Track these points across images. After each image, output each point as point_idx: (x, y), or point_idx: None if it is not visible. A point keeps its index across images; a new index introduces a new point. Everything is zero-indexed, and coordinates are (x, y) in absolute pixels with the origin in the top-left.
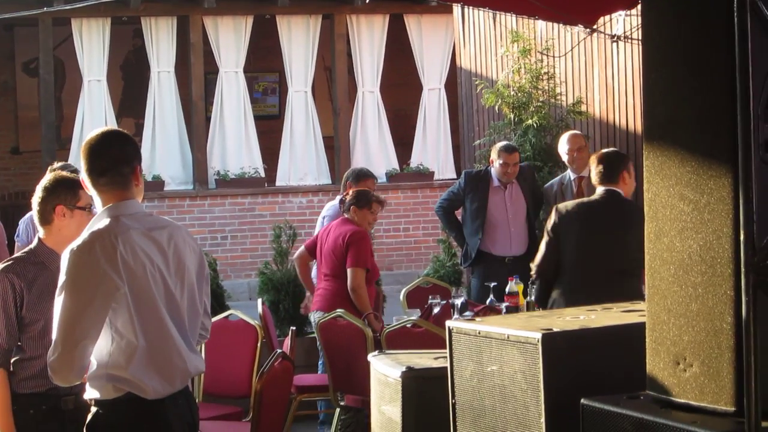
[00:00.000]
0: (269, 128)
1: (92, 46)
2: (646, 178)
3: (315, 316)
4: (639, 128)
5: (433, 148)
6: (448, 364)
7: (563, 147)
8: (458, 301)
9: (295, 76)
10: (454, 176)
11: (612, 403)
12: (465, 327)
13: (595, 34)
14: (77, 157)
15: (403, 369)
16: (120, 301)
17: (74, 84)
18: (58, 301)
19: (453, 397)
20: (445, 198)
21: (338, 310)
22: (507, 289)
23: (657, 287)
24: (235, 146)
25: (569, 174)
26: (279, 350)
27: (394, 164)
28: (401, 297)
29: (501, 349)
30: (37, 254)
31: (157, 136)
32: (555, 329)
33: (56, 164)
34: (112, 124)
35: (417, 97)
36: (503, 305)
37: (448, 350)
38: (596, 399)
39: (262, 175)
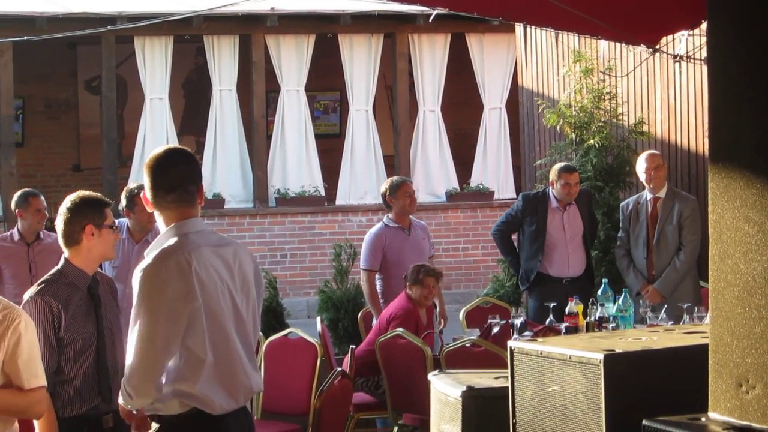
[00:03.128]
0: (329, 146)
1: (155, 64)
2: (711, 199)
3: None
4: (701, 149)
5: (494, 168)
6: (509, 384)
7: (641, 166)
8: (518, 321)
9: (356, 94)
10: (514, 196)
11: (674, 425)
12: (527, 347)
13: (657, 54)
14: (138, 175)
15: (464, 388)
16: (194, 316)
17: (136, 102)
18: (134, 322)
19: (514, 417)
20: (503, 221)
21: (398, 329)
22: (567, 310)
23: (721, 309)
24: (295, 165)
25: (646, 194)
26: (339, 368)
27: (454, 183)
28: (460, 316)
29: (563, 370)
30: (66, 275)
31: (218, 154)
32: (617, 350)
33: (133, 185)
34: (174, 142)
35: (477, 116)
36: (563, 325)
37: (509, 370)
38: (658, 421)
39: (323, 193)
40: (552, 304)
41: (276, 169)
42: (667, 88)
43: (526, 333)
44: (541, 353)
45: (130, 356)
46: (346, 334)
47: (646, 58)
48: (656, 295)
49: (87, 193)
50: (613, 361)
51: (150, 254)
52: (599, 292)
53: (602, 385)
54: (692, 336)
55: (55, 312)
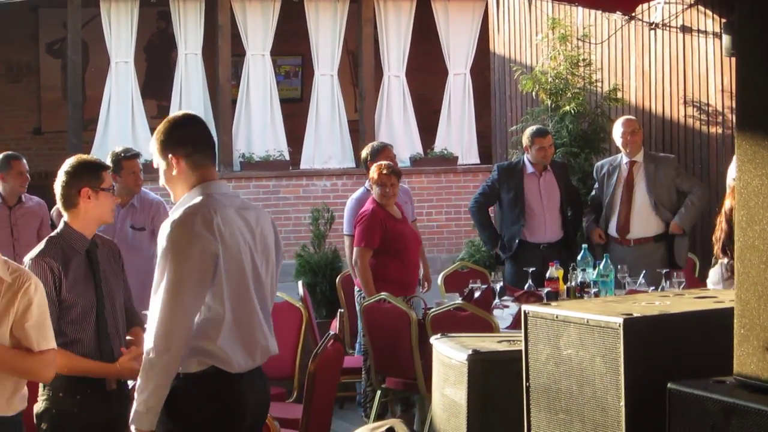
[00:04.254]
0: (290, 111)
1: (120, 27)
2: (738, 166)
3: (358, 296)
4: (676, 116)
5: (458, 134)
6: (522, 348)
7: (617, 130)
8: (497, 286)
9: (321, 59)
10: (478, 161)
11: (700, 387)
12: (542, 311)
13: (633, 22)
14: (102, 138)
15: (470, 352)
16: (216, 272)
17: (98, 65)
18: (161, 274)
19: (527, 380)
20: (480, 193)
21: (382, 293)
22: (547, 275)
23: (747, 274)
24: (260, 129)
25: (623, 157)
26: (332, 332)
27: (418, 149)
28: (439, 281)
29: (579, 334)
30: (65, 238)
31: None
32: (635, 314)
33: (119, 148)
34: (139, 106)
35: (440, 82)
36: (544, 291)
37: (523, 333)
38: (683, 383)
39: (287, 158)
40: (531, 269)
41: (241, 133)
42: (642, 56)
43: (505, 297)
44: (556, 317)
45: (157, 309)
46: (323, 299)
47: (622, 26)
48: (677, 227)
49: (85, 156)
50: (632, 325)
51: (176, 211)
52: (579, 258)
53: (621, 349)
54: (704, 301)
55: (56, 273)
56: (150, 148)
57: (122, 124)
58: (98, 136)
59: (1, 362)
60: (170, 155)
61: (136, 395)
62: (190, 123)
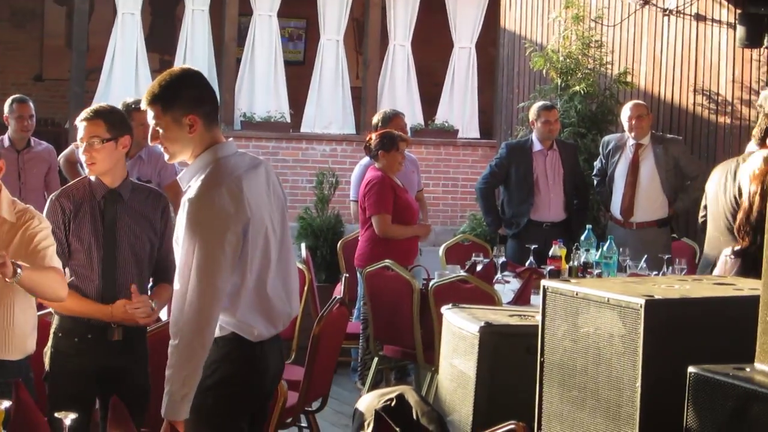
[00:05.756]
0: (292, 74)
1: None
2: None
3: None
4: (684, 103)
5: (459, 107)
6: (539, 323)
7: (625, 113)
8: (499, 261)
9: (328, 23)
10: (478, 136)
11: (721, 373)
12: (562, 287)
13: (647, 7)
14: (105, 88)
15: (482, 324)
16: (244, 246)
17: (101, 16)
18: (187, 253)
19: (542, 355)
20: (489, 173)
21: (386, 260)
22: (551, 253)
23: None
24: (263, 90)
25: (630, 138)
26: (338, 296)
27: (420, 119)
28: (440, 253)
29: (599, 312)
30: (90, 183)
31: None
32: (657, 296)
33: (129, 99)
34: (143, 59)
35: (445, 54)
36: (547, 268)
37: (540, 309)
38: (704, 368)
39: (288, 120)
40: (533, 246)
41: (243, 92)
42: (654, 41)
43: (507, 273)
44: (576, 294)
45: (183, 292)
46: (323, 262)
47: (636, 10)
48: (672, 210)
49: (104, 104)
50: (653, 307)
51: (194, 183)
52: (582, 238)
53: (641, 330)
54: (723, 287)
55: (67, 214)
56: (149, 103)
57: (126, 75)
58: (101, 86)
59: (26, 277)
60: (189, 115)
61: (167, 386)
62: (202, 80)
